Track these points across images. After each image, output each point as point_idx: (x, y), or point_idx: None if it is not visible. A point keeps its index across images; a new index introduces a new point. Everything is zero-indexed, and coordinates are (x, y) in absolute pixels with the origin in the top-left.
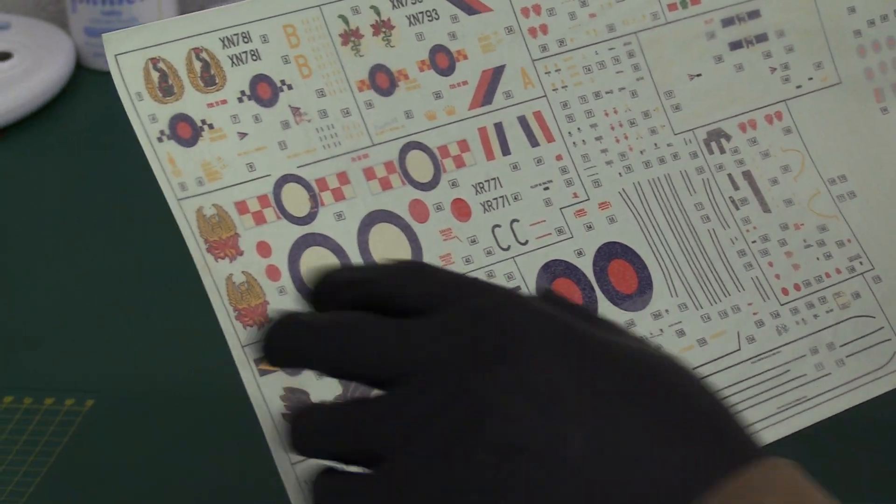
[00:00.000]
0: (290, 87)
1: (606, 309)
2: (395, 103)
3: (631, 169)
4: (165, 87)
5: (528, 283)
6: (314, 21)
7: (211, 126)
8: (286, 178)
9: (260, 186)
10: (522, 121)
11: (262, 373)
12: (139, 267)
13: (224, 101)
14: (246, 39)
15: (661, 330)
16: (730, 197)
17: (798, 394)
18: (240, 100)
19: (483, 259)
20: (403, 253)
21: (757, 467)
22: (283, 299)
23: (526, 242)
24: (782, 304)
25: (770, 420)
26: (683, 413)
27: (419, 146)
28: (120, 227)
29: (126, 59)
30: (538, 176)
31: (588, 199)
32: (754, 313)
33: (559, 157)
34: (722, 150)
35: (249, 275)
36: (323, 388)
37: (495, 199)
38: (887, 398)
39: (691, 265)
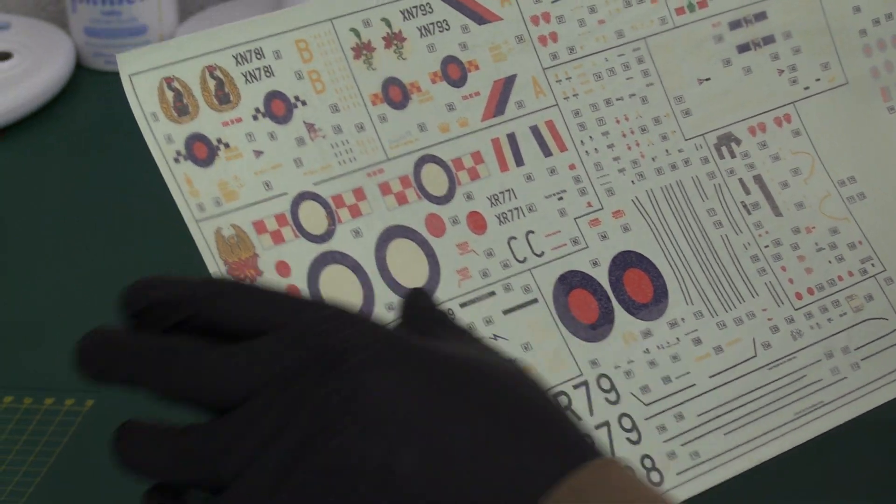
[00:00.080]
0: (304, 103)
1: (623, 319)
2: (408, 116)
3: (643, 176)
4: (180, 107)
5: (544, 296)
6: (326, 35)
7: (227, 145)
8: (303, 196)
9: (277, 205)
10: (535, 130)
11: None
12: (139, 267)
13: (239, 119)
14: (259, 56)
15: (678, 339)
16: (741, 202)
17: (815, 399)
18: (254, 117)
19: (500, 272)
20: (421, 268)
21: (588, 469)
22: None
23: (542, 254)
24: (796, 309)
25: (788, 427)
26: (517, 421)
27: (433, 159)
28: (120, 227)
29: (140, 80)
30: (552, 186)
31: (602, 209)
32: (769, 319)
33: (572, 167)
34: (732, 155)
35: None
36: None
37: (510, 210)
38: None
39: (705, 272)
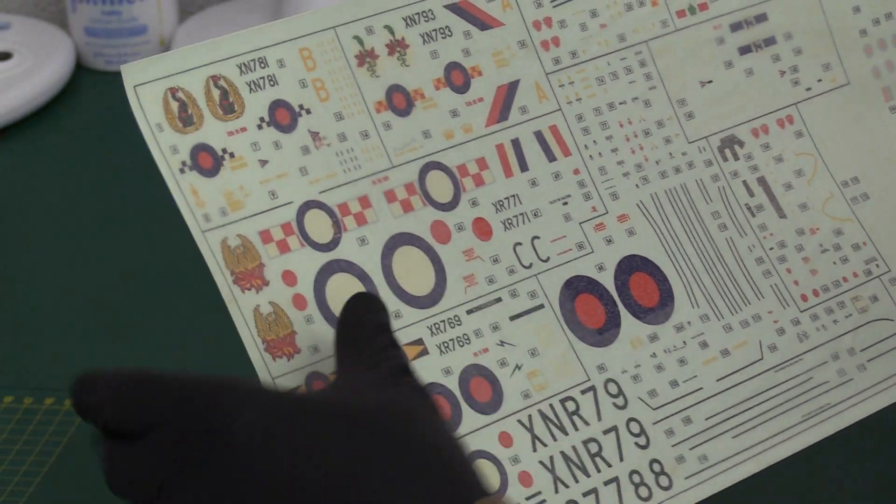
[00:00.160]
0: (308, 112)
1: (629, 323)
2: (412, 123)
3: (647, 180)
4: (185, 117)
5: (551, 301)
6: (329, 43)
7: (232, 155)
8: (308, 205)
9: (283, 214)
10: (539, 136)
11: None
12: (139, 267)
13: (244, 129)
14: (263, 64)
15: (685, 342)
16: (745, 204)
17: (822, 401)
18: (259, 127)
19: (506, 278)
20: (427, 275)
21: None
22: (311, 328)
23: (547, 259)
24: (802, 311)
25: (795, 429)
26: (409, 465)
27: (438, 166)
28: (120, 227)
29: (145, 90)
30: (557, 191)
31: (607, 213)
32: (775, 321)
33: (576, 171)
34: (736, 157)
35: (276, 305)
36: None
37: (515, 216)
38: None
39: (711, 275)
